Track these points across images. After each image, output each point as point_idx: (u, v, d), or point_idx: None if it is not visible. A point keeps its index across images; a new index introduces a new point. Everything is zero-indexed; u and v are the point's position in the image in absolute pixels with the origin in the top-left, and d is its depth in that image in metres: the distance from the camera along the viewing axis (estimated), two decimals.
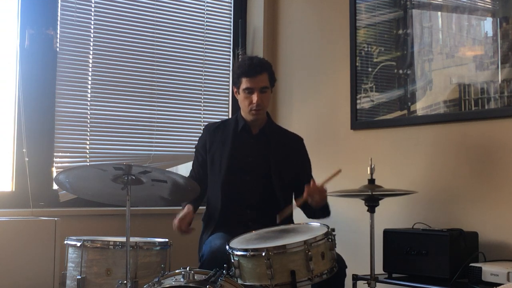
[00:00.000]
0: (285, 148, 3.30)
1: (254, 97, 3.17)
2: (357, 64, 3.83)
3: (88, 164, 3.77)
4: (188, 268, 2.41)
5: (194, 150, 3.40)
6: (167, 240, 3.02)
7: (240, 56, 4.33)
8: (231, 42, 4.43)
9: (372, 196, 2.94)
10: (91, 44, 3.83)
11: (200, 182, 3.08)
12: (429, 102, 3.46)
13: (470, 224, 3.18)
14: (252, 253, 2.54)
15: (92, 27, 3.84)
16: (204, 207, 3.35)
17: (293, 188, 3.24)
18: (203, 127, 3.47)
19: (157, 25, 4.08)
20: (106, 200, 3.04)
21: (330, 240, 2.63)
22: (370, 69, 3.77)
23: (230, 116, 4.31)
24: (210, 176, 3.28)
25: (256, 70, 3.18)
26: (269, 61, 3.39)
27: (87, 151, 3.80)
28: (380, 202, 2.97)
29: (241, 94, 3.22)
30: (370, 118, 3.76)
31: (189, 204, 3.15)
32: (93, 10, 3.85)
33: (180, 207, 3.16)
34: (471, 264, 2.89)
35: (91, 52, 3.83)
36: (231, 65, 4.37)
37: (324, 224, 2.73)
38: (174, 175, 2.81)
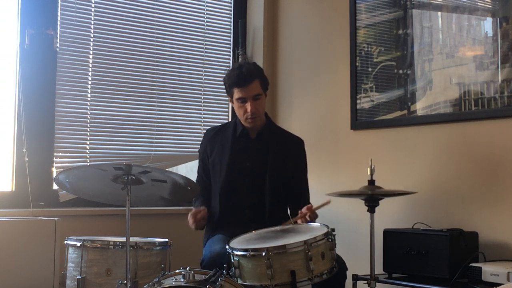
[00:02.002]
0: (283, 150, 3.28)
1: (248, 106, 3.15)
2: (357, 64, 3.82)
3: (88, 164, 3.77)
4: (188, 268, 2.41)
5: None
6: (167, 240, 3.02)
7: (240, 56, 4.33)
8: (231, 42, 4.43)
9: (372, 196, 2.93)
10: (91, 44, 3.83)
11: (202, 187, 3.15)
12: (429, 102, 3.46)
13: (470, 224, 3.18)
14: (252, 253, 2.54)
15: (92, 27, 3.84)
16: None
17: (286, 191, 3.23)
18: (204, 130, 3.47)
19: (157, 25, 4.08)
20: (106, 200, 3.03)
21: (330, 240, 2.62)
22: (370, 69, 3.77)
23: (230, 116, 4.32)
24: (212, 179, 3.29)
25: (245, 80, 3.14)
26: (265, 63, 3.37)
27: (87, 151, 3.80)
28: (380, 202, 2.96)
29: (235, 103, 3.21)
30: (370, 118, 3.76)
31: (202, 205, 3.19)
32: (93, 10, 3.85)
33: (180, 207, 3.15)
34: (471, 264, 2.89)
35: (91, 52, 3.83)
36: (231, 65, 4.37)
37: (324, 224, 2.73)
38: (174, 175, 2.81)
